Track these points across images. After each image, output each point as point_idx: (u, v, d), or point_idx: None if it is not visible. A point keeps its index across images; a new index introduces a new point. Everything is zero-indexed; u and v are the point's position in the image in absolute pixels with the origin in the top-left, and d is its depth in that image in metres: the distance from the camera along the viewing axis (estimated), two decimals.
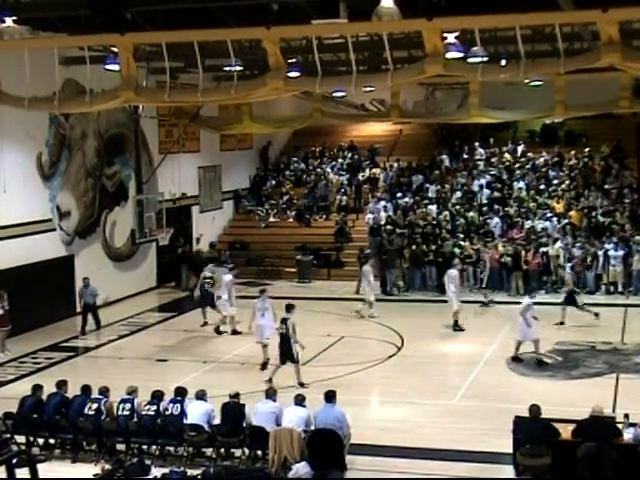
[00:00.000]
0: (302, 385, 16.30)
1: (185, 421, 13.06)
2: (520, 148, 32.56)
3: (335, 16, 14.17)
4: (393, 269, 26.66)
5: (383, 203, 30.35)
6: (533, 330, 18.09)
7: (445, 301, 23.59)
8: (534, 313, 18.39)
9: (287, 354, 16.61)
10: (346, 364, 18.27)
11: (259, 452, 12.88)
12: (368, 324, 22.37)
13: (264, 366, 17.69)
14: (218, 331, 21.33)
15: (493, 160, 32.23)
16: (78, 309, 22.72)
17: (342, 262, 29.12)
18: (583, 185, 29.83)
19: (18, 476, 9.93)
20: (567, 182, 30.13)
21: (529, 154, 32.13)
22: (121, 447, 13.31)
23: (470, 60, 16.41)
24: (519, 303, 19.15)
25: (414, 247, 26.82)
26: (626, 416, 12.21)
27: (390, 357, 19.03)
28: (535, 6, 13.49)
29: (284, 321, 16.71)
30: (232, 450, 13.15)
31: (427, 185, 31.21)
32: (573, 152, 31.59)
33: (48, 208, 23.05)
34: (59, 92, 16.69)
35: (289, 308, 16.99)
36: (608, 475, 11.35)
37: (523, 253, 25.82)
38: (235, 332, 21.13)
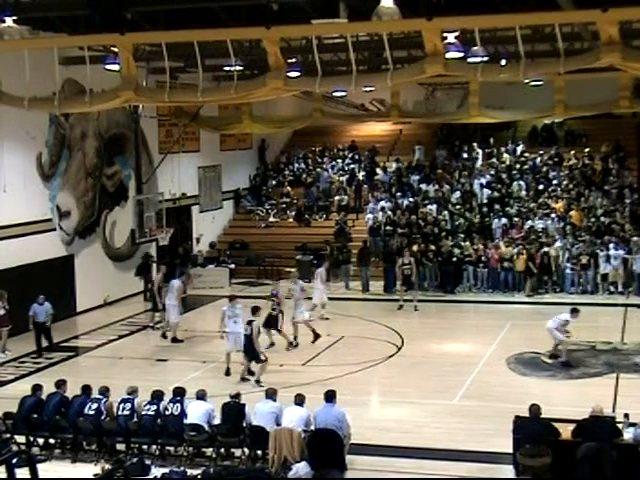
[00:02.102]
0: (258, 382, 16.45)
1: (185, 421, 13.07)
2: (520, 148, 32.57)
3: (335, 16, 14.19)
4: (367, 267, 26.95)
5: (382, 203, 30.34)
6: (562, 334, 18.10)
7: (446, 301, 23.69)
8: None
9: (252, 355, 16.78)
10: (346, 364, 18.28)
11: (259, 452, 12.87)
12: (368, 324, 22.34)
13: (228, 372, 17.56)
14: (164, 335, 21.12)
15: (493, 160, 32.21)
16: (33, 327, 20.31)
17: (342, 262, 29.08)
18: (583, 185, 29.83)
19: (18, 476, 9.93)
20: (566, 182, 30.14)
21: (527, 154, 32.12)
22: (121, 447, 13.31)
23: (470, 60, 16.41)
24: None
25: (414, 247, 26.83)
26: (626, 416, 12.21)
27: (390, 357, 19.02)
28: (535, 6, 13.52)
29: (250, 323, 16.83)
30: (232, 450, 13.15)
31: (422, 185, 31.20)
32: (573, 152, 31.61)
33: (48, 208, 23.05)
34: (59, 92, 16.70)
35: (255, 310, 17.20)
36: (608, 475, 11.35)
37: (525, 252, 25.85)
38: (175, 340, 20.81)
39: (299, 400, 12.95)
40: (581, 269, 25.37)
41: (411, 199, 30.42)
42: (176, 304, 20.75)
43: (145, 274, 26.10)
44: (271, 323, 19.31)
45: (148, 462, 12.75)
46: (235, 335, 17.49)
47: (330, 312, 23.10)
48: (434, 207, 29.47)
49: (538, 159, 31.64)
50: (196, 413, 13.08)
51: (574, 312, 18.17)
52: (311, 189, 32.79)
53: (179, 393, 13.51)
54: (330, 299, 23.62)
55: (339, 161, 34.37)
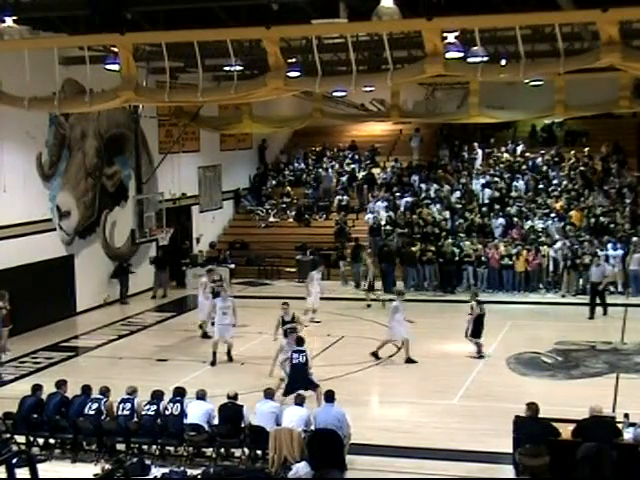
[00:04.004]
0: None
1: (185, 421, 13.06)
2: (520, 148, 32.57)
3: (335, 16, 14.19)
4: (359, 264, 27.06)
5: (380, 203, 30.35)
6: (404, 330, 18.27)
7: (446, 301, 23.67)
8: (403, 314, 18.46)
9: (306, 382, 15.07)
10: (346, 364, 18.27)
11: (259, 452, 12.87)
12: (368, 324, 22.32)
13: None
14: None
15: (492, 160, 32.24)
16: None
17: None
18: (583, 185, 29.83)
19: (18, 476, 9.93)
20: (566, 182, 30.13)
21: (527, 154, 32.13)
22: (121, 447, 13.30)
23: (470, 60, 16.40)
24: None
25: (412, 248, 26.88)
26: (626, 416, 12.20)
27: (390, 357, 19.02)
28: (535, 6, 13.52)
29: (302, 352, 15.30)
30: (232, 450, 13.14)
31: (422, 185, 31.24)
32: (573, 152, 31.61)
33: (48, 208, 23.04)
34: (59, 92, 16.72)
35: (300, 341, 15.72)
36: (608, 475, 11.34)
37: (525, 253, 25.86)
38: (205, 335, 20.87)
39: (299, 400, 12.96)
40: (584, 269, 25.32)
41: (409, 199, 30.44)
42: (204, 300, 20.99)
43: (121, 277, 25.94)
44: None
45: (148, 462, 12.75)
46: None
47: (330, 312, 23.12)
48: (434, 207, 29.51)
49: (539, 159, 31.63)
50: (196, 413, 13.07)
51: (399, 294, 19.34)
52: (317, 189, 32.71)
53: (179, 393, 13.50)
54: (330, 299, 23.64)
55: (339, 161, 34.36)
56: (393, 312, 18.53)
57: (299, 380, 14.98)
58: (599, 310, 22.55)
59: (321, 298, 23.13)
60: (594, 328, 21.21)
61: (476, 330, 18.69)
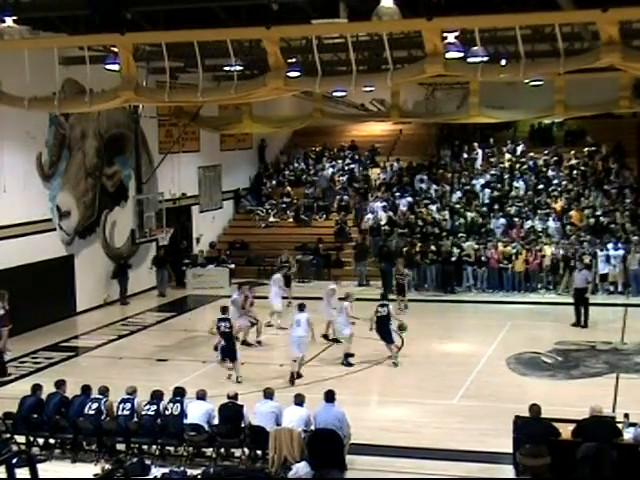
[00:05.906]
0: (395, 364, 18.21)
1: (185, 421, 13.06)
2: (520, 148, 32.56)
3: (335, 16, 14.19)
4: (364, 261, 27.64)
5: (378, 203, 30.34)
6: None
7: (446, 301, 23.60)
8: None
9: (386, 336, 18.39)
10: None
11: (259, 452, 12.87)
12: (366, 324, 22.24)
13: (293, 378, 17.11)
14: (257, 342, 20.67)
15: (492, 160, 32.23)
16: None
17: (342, 262, 29.14)
18: (583, 185, 29.82)
19: (18, 476, 9.94)
20: (566, 182, 30.10)
21: (530, 154, 32.10)
22: (121, 447, 13.30)
23: (470, 60, 16.39)
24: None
25: (412, 248, 26.89)
26: (626, 416, 12.21)
27: (390, 357, 18.99)
28: (535, 6, 13.52)
29: (384, 305, 18.59)
30: (232, 450, 13.15)
31: (422, 185, 31.24)
32: (573, 152, 31.58)
33: (48, 208, 23.04)
34: (59, 92, 16.72)
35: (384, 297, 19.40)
36: (608, 475, 11.34)
37: (524, 253, 25.86)
38: (245, 342, 20.34)
39: (299, 400, 12.95)
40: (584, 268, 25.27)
41: (409, 199, 30.42)
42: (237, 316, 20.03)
43: (120, 278, 25.85)
44: None
45: (148, 462, 12.75)
46: (297, 339, 17.30)
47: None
48: (434, 207, 29.52)
49: (541, 160, 31.53)
50: (196, 413, 13.07)
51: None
52: (316, 186, 32.73)
53: (179, 393, 13.51)
54: None
55: (339, 161, 34.37)
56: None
57: (380, 330, 18.37)
58: (597, 313, 22.52)
59: (318, 298, 23.10)
60: (594, 328, 21.20)
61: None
